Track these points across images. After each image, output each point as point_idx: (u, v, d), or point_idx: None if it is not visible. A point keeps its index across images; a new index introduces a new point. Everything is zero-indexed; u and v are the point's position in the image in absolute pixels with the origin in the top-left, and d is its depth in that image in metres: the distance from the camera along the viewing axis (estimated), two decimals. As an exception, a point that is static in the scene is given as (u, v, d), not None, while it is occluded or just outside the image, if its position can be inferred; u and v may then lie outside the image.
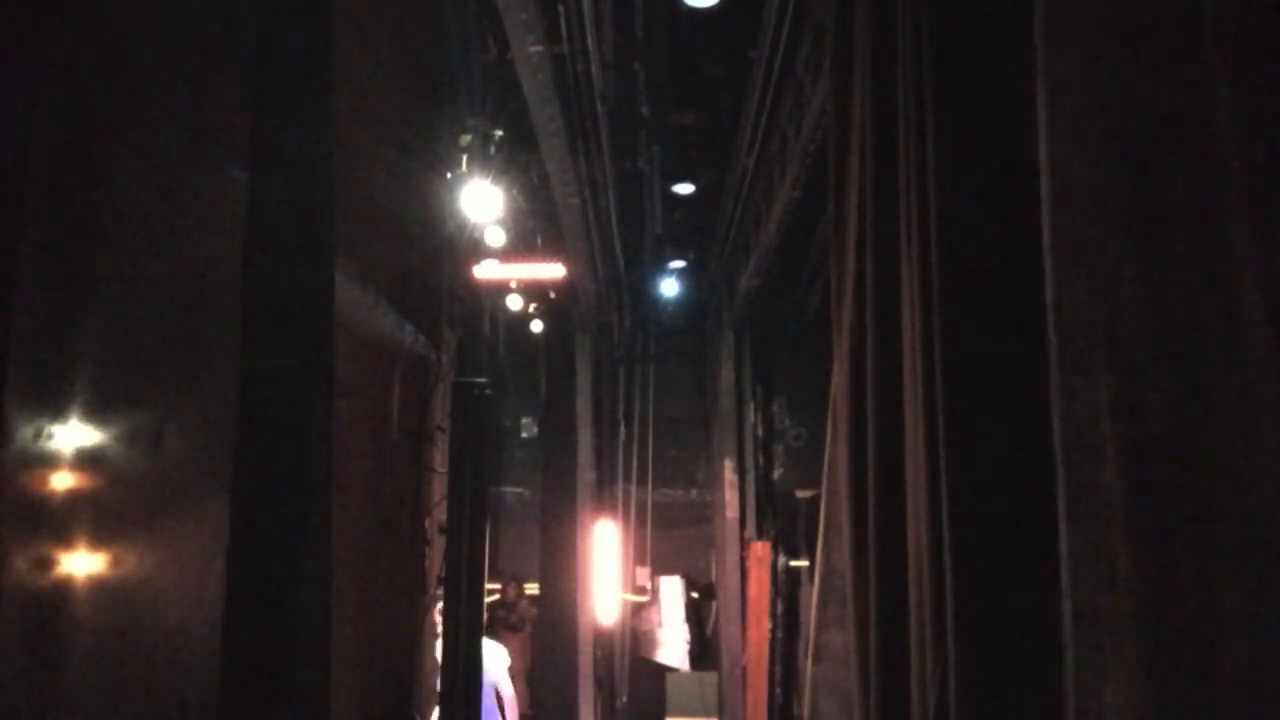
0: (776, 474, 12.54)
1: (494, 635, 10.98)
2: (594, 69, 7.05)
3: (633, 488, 13.03)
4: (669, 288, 13.43)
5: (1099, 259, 1.92)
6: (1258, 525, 1.77)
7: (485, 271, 7.96)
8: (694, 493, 13.55)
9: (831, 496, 4.32)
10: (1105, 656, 1.81)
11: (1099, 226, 1.92)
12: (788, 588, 11.60)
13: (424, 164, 6.05)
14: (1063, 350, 1.92)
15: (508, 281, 9.16)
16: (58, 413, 2.11)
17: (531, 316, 10.28)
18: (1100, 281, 1.91)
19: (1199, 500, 1.81)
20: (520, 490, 13.17)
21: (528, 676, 11.62)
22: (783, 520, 12.03)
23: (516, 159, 7.18)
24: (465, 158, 6.29)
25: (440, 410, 6.36)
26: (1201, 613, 1.78)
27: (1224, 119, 1.85)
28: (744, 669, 11.73)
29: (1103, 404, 1.87)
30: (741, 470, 12.37)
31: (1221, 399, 1.81)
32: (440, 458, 6.27)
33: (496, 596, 11.40)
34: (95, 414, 2.22)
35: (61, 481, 2.12)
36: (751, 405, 12.51)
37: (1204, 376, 1.82)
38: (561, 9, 6.18)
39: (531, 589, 12.13)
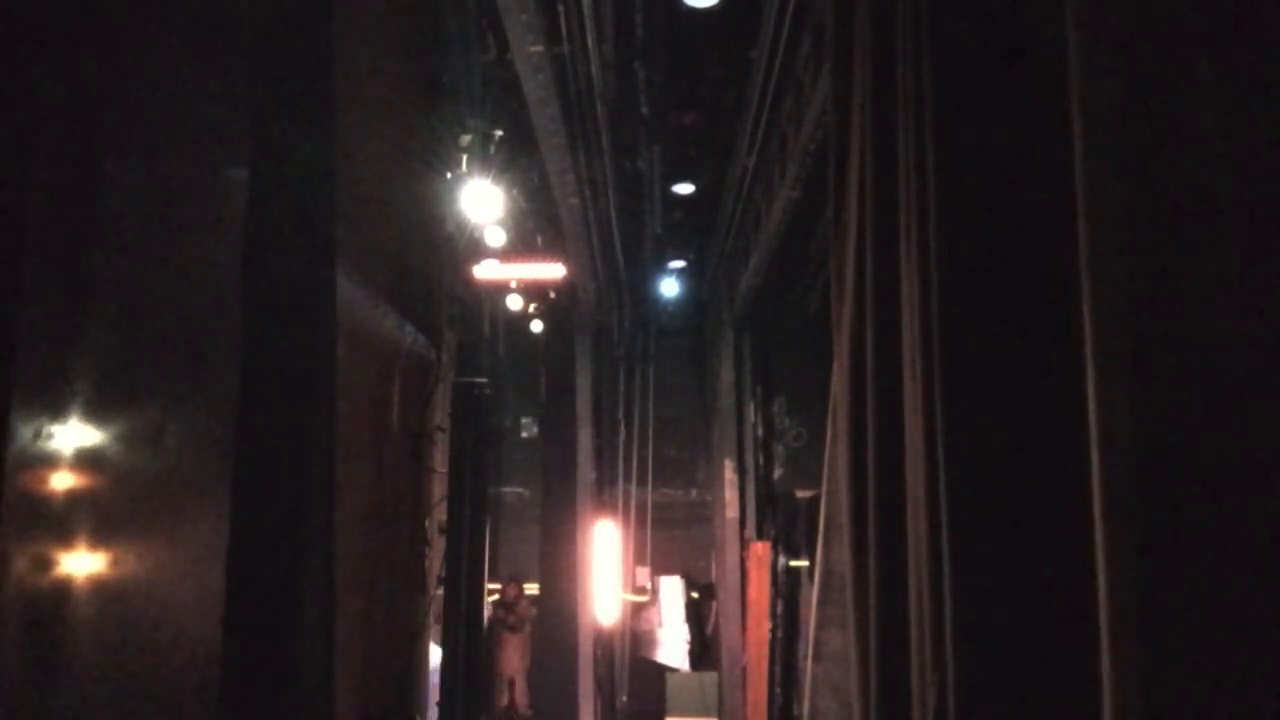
0: (776, 474, 12.55)
1: (494, 635, 10.99)
2: (594, 69, 7.05)
3: (633, 488, 13.03)
4: (669, 288, 13.44)
5: (1135, 269, 1.91)
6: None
7: (485, 271, 7.97)
8: (694, 493, 13.56)
9: (831, 496, 4.32)
10: (1146, 656, 1.80)
11: (1134, 237, 1.91)
12: (788, 588, 11.60)
13: (424, 164, 6.05)
14: (1099, 360, 1.91)
15: (508, 281, 9.16)
16: (59, 413, 2.11)
17: (531, 316, 10.28)
18: (1137, 291, 1.90)
19: (1235, 502, 1.80)
20: (520, 490, 13.17)
21: (528, 676, 11.62)
22: (783, 520, 12.03)
23: (516, 159, 7.18)
24: (465, 158, 6.29)
25: (440, 410, 6.36)
26: (1242, 613, 1.77)
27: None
28: (744, 669, 11.73)
29: (1140, 411, 1.86)
30: (741, 470, 12.38)
31: (1258, 405, 1.80)
32: (440, 458, 6.27)
33: (496, 596, 11.39)
34: (96, 414, 2.22)
35: (63, 482, 2.12)
36: (751, 405, 12.52)
37: (1238, 384, 1.82)
38: (561, 9, 6.18)
39: (531, 589, 12.13)
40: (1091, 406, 1.93)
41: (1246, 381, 1.82)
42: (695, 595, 13.04)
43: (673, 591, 12.88)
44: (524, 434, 13.20)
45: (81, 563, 2.18)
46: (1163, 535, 1.82)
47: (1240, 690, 1.75)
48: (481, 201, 6.34)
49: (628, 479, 13.03)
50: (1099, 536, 1.88)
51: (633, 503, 12.99)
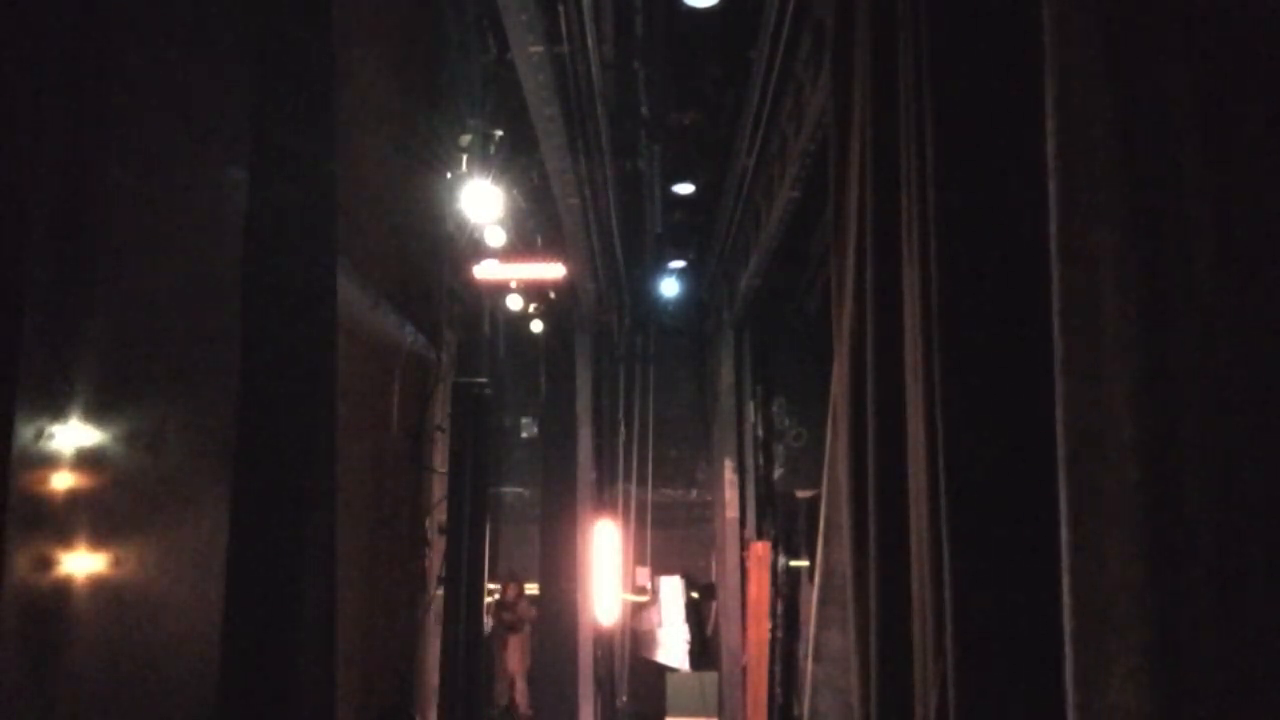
0: (776, 474, 12.54)
1: (494, 635, 11.00)
2: (594, 69, 7.05)
3: (633, 488, 13.03)
4: (669, 288, 13.44)
5: (1105, 263, 1.92)
6: (1257, 526, 1.77)
7: (485, 271, 7.97)
8: (694, 493, 13.55)
9: (831, 496, 4.32)
10: (1107, 656, 1.81)
11: (1105, 231, 1.92)
12: (788, 588, 11.60)
13: (424, 164, 6.05)
14: (1068, 354, 1.92)
15: (508, 281, 9.16)
16: (60, 414, 2.11)
17: (531, 316, 10.27)
18: (1106, 286, 1.91)
19: (1200, 501, 1.81)
20: (520, 490, 13.17)
21: (528, 676, 11.62)
22: (783, 520, 12.03)
23: (516, 159, 7.18)
24: (465, 158, 6.29)
25: (440, 410, 6.36)
26: (1203, 612, 1.78)
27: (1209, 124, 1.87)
28: (744, 669, 11.73)
29: (1106, 408, 1.87)
30: (741, 470, 12.38)
31: (1221, 401, 1.81)
32: (440, 458, 6.27)
33: (496, 596, 11.39)
34: (96, 414, 2.22)
35: (63, 482, 2.12)
36: (751, 405, 12.51)
37: (1206, 380, 1.83)
38: (561, 9, 6.18)
39: (531, 589, 12.13)
40: (1059, 404, 1.93)
41: (1225, 380, 1.83)
42: (695, 595, 13.04)
43: (673, 591, 12.88)
44: (524, 434, 13.20)
45: (82, 563, 2.18)
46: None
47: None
48: (481, 201, 6.33)
49: (628, 479, 13.03)
50: (1064, 540, 1.90)
51: (633, 503, 12.99)
